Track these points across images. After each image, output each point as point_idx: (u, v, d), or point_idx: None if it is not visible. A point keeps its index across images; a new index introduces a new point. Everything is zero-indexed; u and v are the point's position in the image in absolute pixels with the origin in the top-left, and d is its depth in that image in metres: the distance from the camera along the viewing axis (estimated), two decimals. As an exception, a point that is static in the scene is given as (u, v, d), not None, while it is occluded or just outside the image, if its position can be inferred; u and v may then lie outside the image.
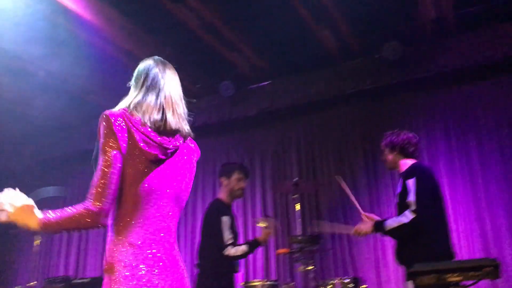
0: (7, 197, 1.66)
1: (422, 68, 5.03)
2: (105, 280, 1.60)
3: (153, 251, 1.61)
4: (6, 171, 6.44)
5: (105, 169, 1.58)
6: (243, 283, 4.26)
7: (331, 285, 4.02)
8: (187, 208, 6.10)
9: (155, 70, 1.79)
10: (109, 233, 1.65)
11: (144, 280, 1.55)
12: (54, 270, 6.51)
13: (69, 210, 1.58)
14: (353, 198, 3.75)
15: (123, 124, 1.62)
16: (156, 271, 1.58)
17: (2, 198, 1.65)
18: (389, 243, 4.91)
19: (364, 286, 4.06)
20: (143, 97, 1.72)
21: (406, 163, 3.44)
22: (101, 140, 1.62)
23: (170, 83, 1.80)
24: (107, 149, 1.59)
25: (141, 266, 1.57)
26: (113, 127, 1.61)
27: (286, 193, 5.48)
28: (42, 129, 6.42)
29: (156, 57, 1.88)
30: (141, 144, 1.62)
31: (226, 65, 5.49)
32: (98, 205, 1.56)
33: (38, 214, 1.61)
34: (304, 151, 5.77)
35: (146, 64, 1.83)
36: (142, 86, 1.76)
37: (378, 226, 3.34)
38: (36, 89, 5.33)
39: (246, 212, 5.82)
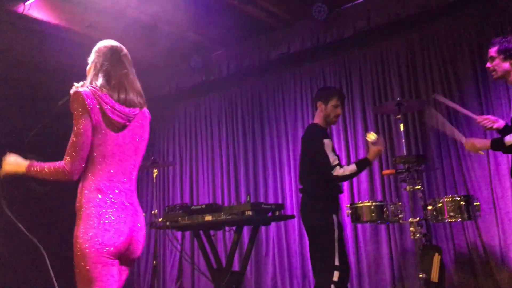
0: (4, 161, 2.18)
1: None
2: (77, 215, 2.03)
3: (115, 193, 2.06)
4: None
5: (79, 137, 2.01)
6: (349, 205, 4.31)
7: (441, 204, 3.94)
8: (288, 136, 6.18)
9: (111, 56, 2.19)
10: (81, 183, 2.07)
11: (106, 216, 2.00)
12: (171, 199, 7.08)
13: (51, 165, 2.06)
14: (460, 108, 3.59)
15: (94, 99, 2.04)
16: (114, 209, 2.03)
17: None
18: (503, 158, 4.65)
19: (477, 203, 3.94)
20: (106, 77, 2.13)
21: None
22: (75, 113, 2.03)
23: (125, 66, 2.21)
24: (81, 121, 2.02)
25: (105, 205, 2.02)
26: (86, 101, 2.02)
27: (389, 114, 5.34)
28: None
29: (109, 41, 2.26)
30: (110, 115, 2.06)
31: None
32: (72, 166, 2.01)
33: (26, 163, 2.12)
34: (405, 69, 5.48)
35: (102, 48, 2.22)
36: (101, 68, 2.15)
37: (497, 143, 3.15)
38: (136, 33, 5.52)
39: (347, 136, 5.77)
